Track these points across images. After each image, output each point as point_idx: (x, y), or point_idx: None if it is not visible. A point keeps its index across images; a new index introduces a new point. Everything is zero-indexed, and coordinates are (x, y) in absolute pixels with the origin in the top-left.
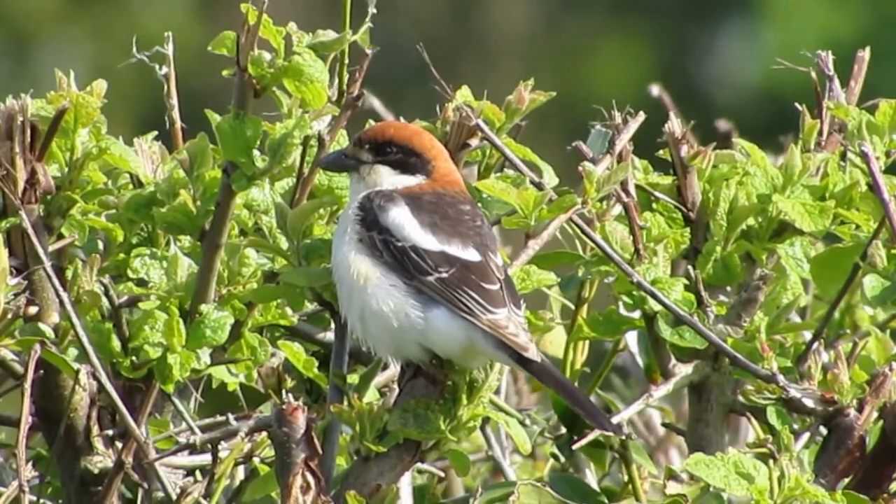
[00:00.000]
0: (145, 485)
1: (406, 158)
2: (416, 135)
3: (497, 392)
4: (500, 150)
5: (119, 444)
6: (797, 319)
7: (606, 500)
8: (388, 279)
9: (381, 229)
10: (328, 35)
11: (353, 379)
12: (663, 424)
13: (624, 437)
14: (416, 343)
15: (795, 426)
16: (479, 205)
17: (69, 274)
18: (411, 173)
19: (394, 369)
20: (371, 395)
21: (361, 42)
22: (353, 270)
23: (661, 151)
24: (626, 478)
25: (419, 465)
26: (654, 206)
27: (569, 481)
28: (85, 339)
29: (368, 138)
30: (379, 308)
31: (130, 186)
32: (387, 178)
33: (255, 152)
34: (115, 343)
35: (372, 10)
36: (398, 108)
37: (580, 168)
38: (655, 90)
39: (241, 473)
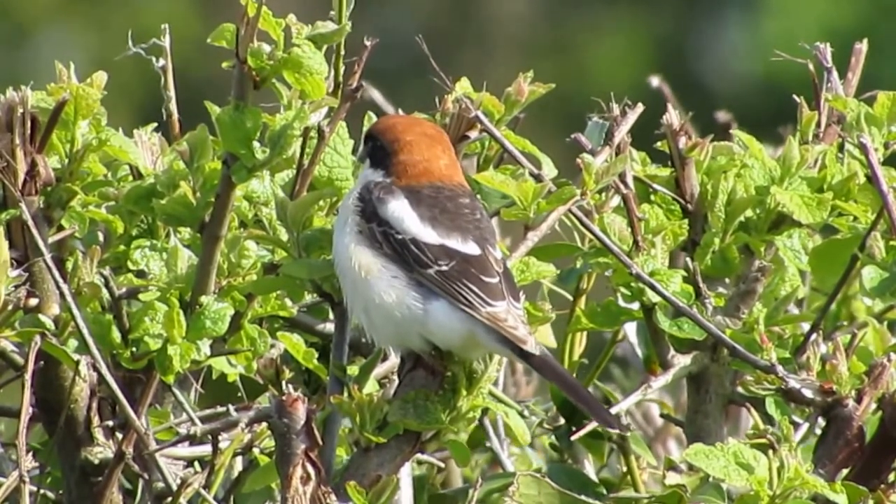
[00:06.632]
0: (145, 475)
1: (374, 151)
2: (387, 128)
3: (494, 383)
4: (500, 142)
5: (119, 435)
6: (795, 311)
7: (605, 491)
8: (390, 271)
9: (380, 221)
10: (327, 26)
11: (352, 370)
12: (662, 415)
13: (626, 434)
14: (418, 334)
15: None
16: (478, 196)
17: (69, 265)
18: (375, 167)
19: (394, 360)
20: (371, 386)
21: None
22: (354, 262)
23: (659, 143)
24: (624, 468)
25: (419, 455)
26: (653, 197)
27: (567, 472)
28: (85, 331)
29: (365, 131)
30: (382, 301)
31: (130, 178)
32: (363, 172)
33: (255, 144)
34: (116, 334)
35: None
36: (397, 100)
37: (579, 160)
38: (655, 81)
39: (240, 464)
